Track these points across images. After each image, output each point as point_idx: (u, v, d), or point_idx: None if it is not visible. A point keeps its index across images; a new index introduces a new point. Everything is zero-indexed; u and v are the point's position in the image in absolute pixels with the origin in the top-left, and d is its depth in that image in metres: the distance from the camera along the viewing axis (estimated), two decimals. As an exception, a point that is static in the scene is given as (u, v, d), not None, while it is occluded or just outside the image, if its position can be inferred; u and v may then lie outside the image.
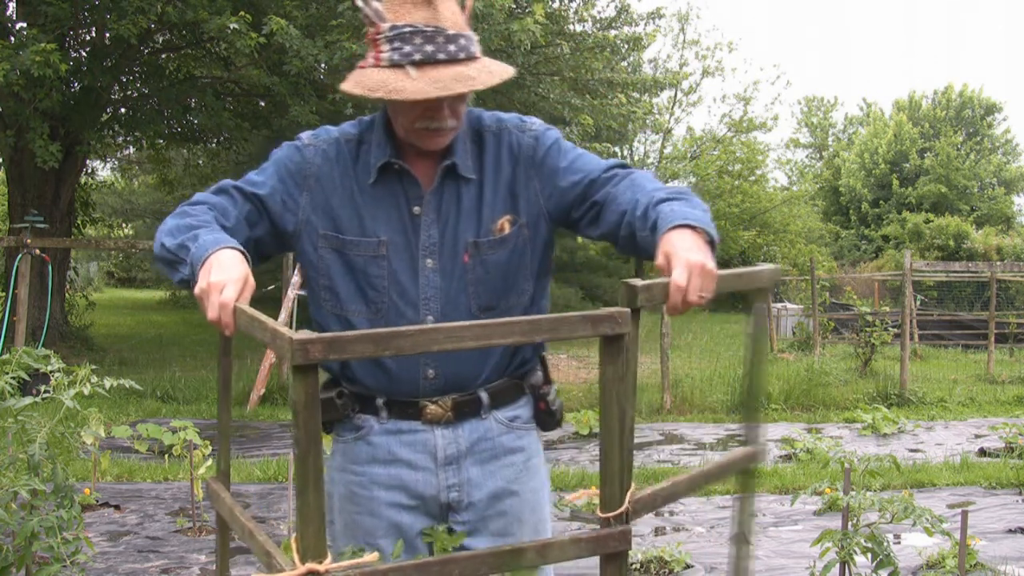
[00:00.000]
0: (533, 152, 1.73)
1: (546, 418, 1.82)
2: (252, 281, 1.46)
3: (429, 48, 1.54)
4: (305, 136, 1.76)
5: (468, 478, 1.73)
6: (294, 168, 1.71)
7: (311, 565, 0.97)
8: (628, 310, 1.21)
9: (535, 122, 1.78)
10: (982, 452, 7.11)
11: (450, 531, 1.73)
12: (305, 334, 1.01)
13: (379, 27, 1.57)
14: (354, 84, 1.59)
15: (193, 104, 12.60)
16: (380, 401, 1.73)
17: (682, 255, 1.40)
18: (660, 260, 1.44)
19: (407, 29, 1.55)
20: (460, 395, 1.72)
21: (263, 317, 1.20)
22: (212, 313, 1.41)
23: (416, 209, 1.69)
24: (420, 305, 1.68)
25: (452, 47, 1.56)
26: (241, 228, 1.66)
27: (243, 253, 1.50)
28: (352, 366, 1.74)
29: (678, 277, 1.37)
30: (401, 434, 1.73)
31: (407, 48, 1.54)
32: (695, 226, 1.45)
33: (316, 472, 0.98)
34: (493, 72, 1.60)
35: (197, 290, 1.45)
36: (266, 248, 1.74)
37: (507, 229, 1.71)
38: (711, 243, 1.46)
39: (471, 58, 1.59)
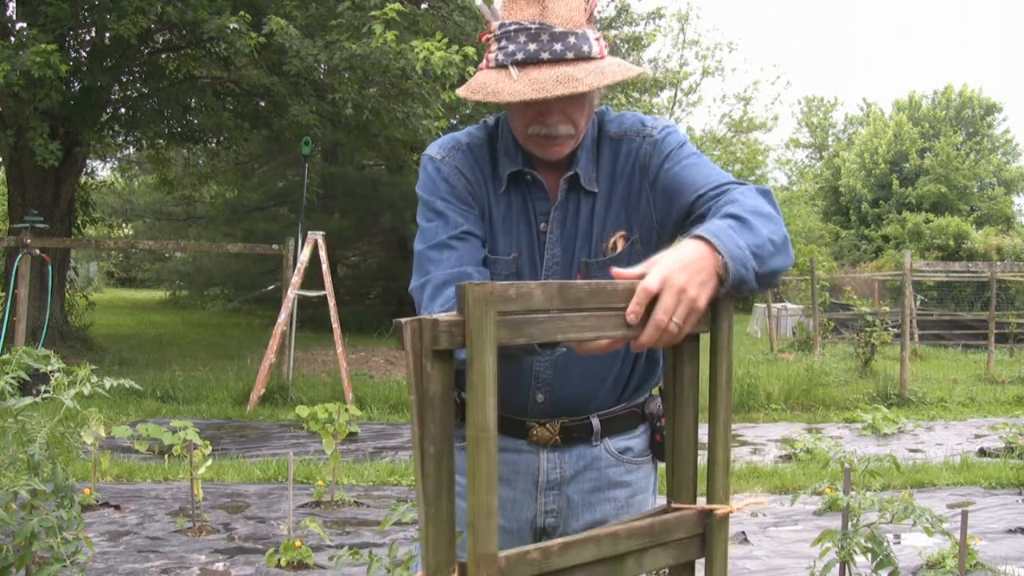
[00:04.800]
0: (649, 161, 1.59)
1: (661, 450, 1.69)
2: None
3: (532, 47, 1.45)
4: (434, 152, 1.64)
5: (568, 505, 1.65)
6: (457, 185, 1.60)
7: None
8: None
9: (656, 125, 1.63)
10: (982, 452, 7.11)
11: None
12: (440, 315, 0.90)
13: (491, 26, 1.51)
14: (465, 87, 1.51)
15: (193, 104, 12.60)
16: None
17: (666, 264, 1.17)
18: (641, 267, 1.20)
19: (513, 27, 1.47)
20: (570, 419, 1.62)
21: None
22: None
23: (543, 226, 1.60)
24: None
25: (558, 46, 1.45)
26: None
27: None
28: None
29: (648, 282, 1.14)
30: (505, 452, 1.61)
31: (511, 47, 1.46)
32: (712, 243, 1.22)
33: (449, 476, 0.90)
34: (605, 73, 1.46)
35: None
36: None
37: (620, 247, 1.59)
38: (724, 272, 1.21)
39: (582, 58, 1.46)
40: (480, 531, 0.89)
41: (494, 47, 1.50)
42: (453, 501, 0.92)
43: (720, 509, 1.13)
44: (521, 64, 1.45)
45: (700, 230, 1.26)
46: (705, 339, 1.19)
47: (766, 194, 1.44)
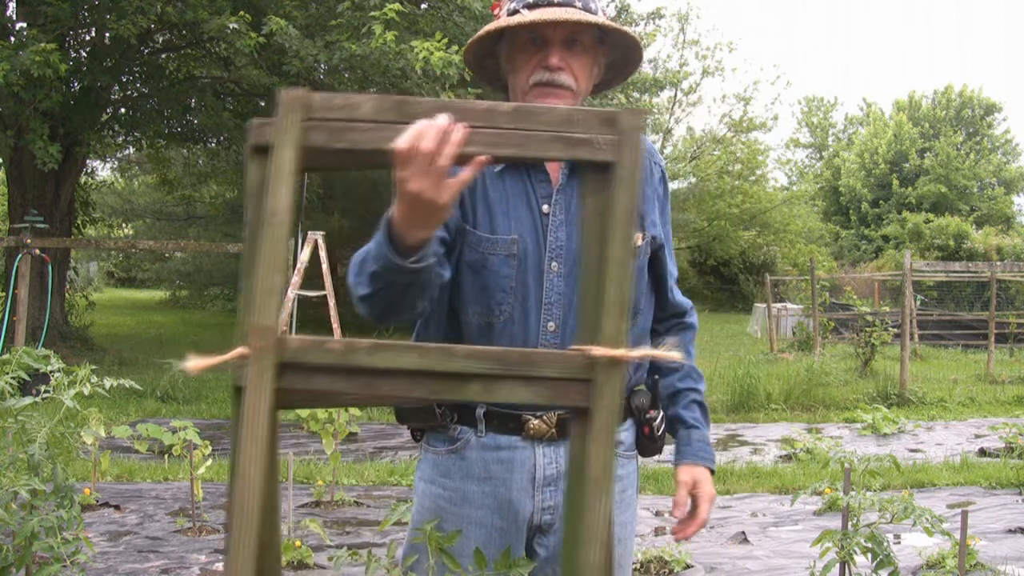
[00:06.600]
0: (658, 184, 1.70)
1: (648, 444, 1.71)
2: None
3: None
4: None
5: (565, 501, 1.65)
6: None
7: (240, 350, 1.02)
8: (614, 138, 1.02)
9: (654, 150, 1.73)
10: (982, 452, 7.11)
11: (530, 554, 1.64)
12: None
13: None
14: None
15: (193, 104, 12.61)
16: (480, 412, 1.61)
17: (707, 495, 1.69)
18: (687, 486, 1.69)
19: None
20: (566, 411, 1.59)
21: None
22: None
23: (545, 208, 1.59)
24: (543, 311, 1.57)
25: None
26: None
27: None
28: None
29: (704, 514, 1.67)
30: (499, 450, 1.61)
31: None
32: (713, 470, 1.73)
33: (256, 254, 1.02)
34: (609, 23, 1.56)
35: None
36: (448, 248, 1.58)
37: (639, 243, 1.62)
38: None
39: (589, 11, 1.56)
40: (260, 306, 1.00)
41: (506, 4, 1.59)
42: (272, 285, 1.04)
43: (600, 351, 0.97)
44: (532, 6, 1.55)
45: (699, 454, 1.73)
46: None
47: (694, 330, 1.83)
